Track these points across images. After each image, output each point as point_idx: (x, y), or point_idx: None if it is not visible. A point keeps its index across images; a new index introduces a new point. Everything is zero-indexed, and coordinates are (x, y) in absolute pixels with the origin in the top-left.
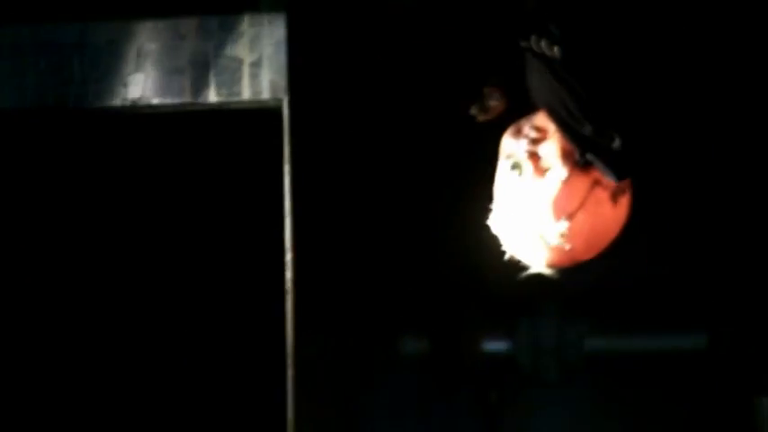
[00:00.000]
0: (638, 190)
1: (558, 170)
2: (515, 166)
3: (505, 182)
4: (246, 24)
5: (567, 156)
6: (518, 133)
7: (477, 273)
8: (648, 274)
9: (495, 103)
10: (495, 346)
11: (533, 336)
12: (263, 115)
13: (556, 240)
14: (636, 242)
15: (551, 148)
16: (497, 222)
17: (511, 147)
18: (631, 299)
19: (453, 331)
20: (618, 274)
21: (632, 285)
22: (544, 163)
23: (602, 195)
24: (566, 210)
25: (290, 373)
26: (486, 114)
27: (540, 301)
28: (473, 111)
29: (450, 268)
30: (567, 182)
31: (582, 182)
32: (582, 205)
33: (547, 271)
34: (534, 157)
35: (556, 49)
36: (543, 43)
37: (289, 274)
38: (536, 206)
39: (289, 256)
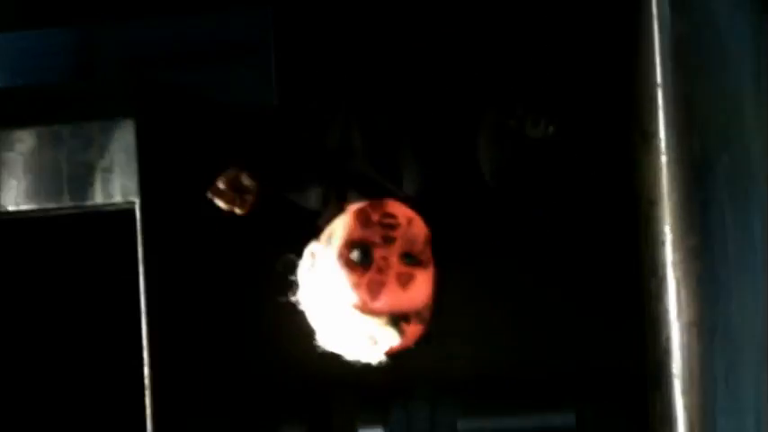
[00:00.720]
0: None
1: (421, 256)
2: (364, 254)
3: (343, 270)
4: (97, 131)
5: (427, 242)
6: (368, 221)
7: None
8: (516, 357)
9: (230, 193)
10: (369, 431)
11: (406, 419)
12: (116, 218)
13: (414, 324)
14: (503, 327)
15: (412, 236)
16: (318, 314)
17: (359, 233)
18: (501, 381)
19: (327, 418)
20: (488, 358)
21: (501, 368)
22: (403, 250)
23: (432, 280)
24: (427, 293)
25: None
26: (241, 206)
27: (412, 384)
28: (213, 198)
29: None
30: (428, 267)
31: (432, 268)
32: (433, 289)
33: (380, 359)
34: (393, 244)
35: (551, 128)
36: (542, 123)
37: (147, 371)
38: (388, 292)
39: (146, 353)
